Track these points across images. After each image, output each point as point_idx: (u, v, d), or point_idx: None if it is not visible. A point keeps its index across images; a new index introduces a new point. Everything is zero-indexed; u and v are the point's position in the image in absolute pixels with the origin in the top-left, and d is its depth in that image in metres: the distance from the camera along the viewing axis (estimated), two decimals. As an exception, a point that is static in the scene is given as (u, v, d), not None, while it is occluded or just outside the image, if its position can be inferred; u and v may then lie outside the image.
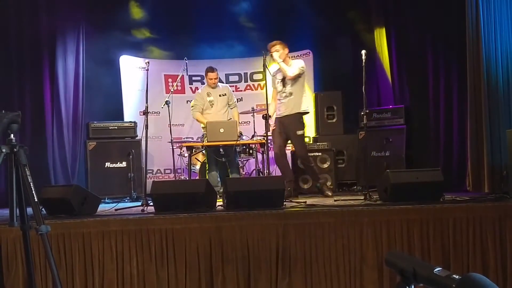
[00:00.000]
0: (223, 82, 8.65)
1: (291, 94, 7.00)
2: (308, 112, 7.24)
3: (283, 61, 7.02)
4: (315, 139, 8.64)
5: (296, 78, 6.99)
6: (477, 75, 7.05)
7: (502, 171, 6.75)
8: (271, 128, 7.13)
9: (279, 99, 7.13)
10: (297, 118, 7.04)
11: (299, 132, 7.04)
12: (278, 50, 7.01)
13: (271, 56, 7.00)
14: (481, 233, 5.08)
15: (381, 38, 8.69)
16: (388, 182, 5.63)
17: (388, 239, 5.08)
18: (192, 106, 7.95)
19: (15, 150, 3.02)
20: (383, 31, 8.66)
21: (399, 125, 8.01)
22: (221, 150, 7.36)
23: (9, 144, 3.03)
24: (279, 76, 7.13)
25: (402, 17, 8.33)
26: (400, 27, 8.42)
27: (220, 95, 7.91)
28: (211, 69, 7.89)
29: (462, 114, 7.50)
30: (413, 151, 7.97)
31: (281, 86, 7.09)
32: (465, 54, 7.20)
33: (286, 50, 7.11)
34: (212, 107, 7.83)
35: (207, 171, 7.55)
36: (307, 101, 7.23)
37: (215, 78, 7.89)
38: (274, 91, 7.29)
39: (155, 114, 8.43)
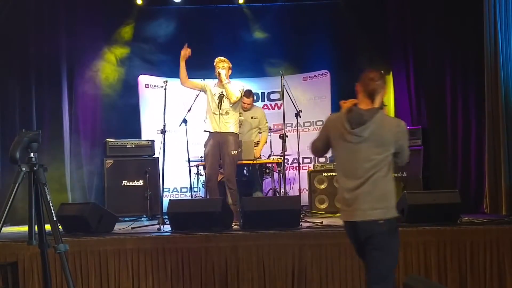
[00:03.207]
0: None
1: (227, 113, 6.76)
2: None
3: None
4: (332, 159, 8.60)
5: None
6: (495, 97, 7.02)
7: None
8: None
9: (214, 113, 6.78)
10: (234, 138, 6.80)
11: (234, 152, 6.74)
12: (225, 68, 6.75)
13: (218, 73, 6.70)
14: (498, 256, 5.04)
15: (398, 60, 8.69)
16: (405, 203, 5.59)
17: (405, 261, 5.05)
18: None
19: (35, 168, 3.06)
20: (400, 52, 8.65)
21: (416, 146, 7.96)
22: (245, 170, 7.35)
23: (29, 162, 3.06)
24: (217, 91, 6.80)
25: (421, 38, 8.32)
26: (418, 48, 8.41)
27: (252, 117, 7.85)
28: (247, 94, 7.63)
29: (479, 136, 7.45)
30: (430, 172, 7.92)
31: (217, 101, 6.73)
32: (483, 76, 7.17)
33: (230, 70, 6.83)
34: (239, 127, 7.45)
35: None
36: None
37: (247, 104, 7.77)
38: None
39: (172, 133, 8.45)
